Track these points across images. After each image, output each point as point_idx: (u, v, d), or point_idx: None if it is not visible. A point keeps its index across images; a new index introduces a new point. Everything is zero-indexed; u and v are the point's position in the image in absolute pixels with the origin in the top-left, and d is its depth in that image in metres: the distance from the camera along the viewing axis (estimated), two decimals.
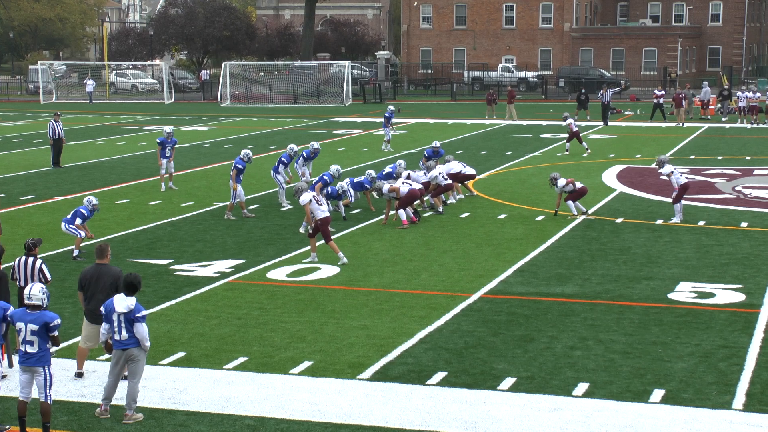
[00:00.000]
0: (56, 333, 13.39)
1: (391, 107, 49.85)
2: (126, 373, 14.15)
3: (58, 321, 13.38)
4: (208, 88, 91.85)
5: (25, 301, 13.50)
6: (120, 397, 14.30)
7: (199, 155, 45.33)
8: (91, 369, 15.97)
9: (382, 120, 47.76)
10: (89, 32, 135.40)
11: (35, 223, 28.53)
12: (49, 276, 16.56)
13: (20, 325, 13.34)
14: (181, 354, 16.86)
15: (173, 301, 20.22)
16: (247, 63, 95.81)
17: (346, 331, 18.09)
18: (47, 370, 13.34)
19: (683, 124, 58.67)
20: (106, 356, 15.90)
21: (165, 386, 15.31)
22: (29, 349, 13.29)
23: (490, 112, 64.33)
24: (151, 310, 19.13)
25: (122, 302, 13.89)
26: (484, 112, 65.56)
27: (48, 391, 13.30)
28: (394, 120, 51.90)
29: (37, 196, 33.45)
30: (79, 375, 15.64)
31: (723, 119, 62.18)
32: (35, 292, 13.43)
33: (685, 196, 28.33)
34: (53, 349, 14.23)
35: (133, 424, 13.81)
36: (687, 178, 29.75)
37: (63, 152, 41.86)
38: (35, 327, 13.25)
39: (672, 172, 28.17)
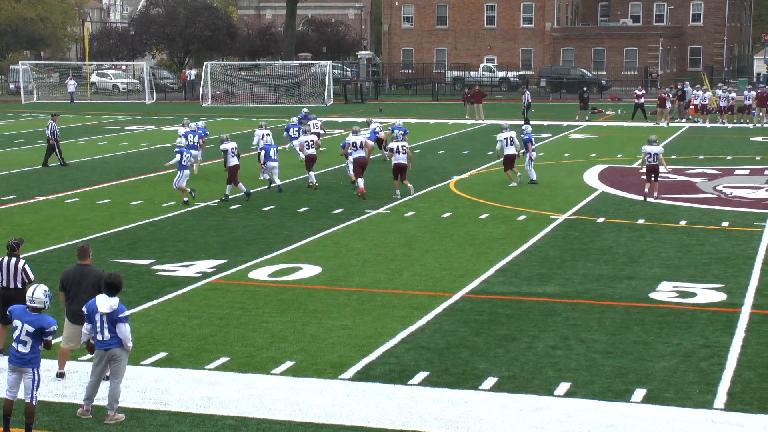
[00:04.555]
0: (50, 338, 13.39)
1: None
2: (108, 374, 14.13)
3: (53, 328, 13.37)
4: (190, 88, 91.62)
5: (27, 303, 13.45)
6: (102, 398, 14.26)
7: None
8: (72, 369, 15.92)
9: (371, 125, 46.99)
10: (70, 32, 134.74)
11: (17, 223, 28.42)
12: (32, 276, 16.48)
13: (17, 322, 13.33)
14: (162, 354, 16.83)
15: (155, 301, 20.18)
16: (228, 63, 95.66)
17: (328, 331, 18.08)
18: (36, 372, 13.32)
19: (667, 124, 58.92)
20: (88, 356, 15.85)
21: (147, 386, 15.28)
22: (21, 348, 13.26)
23: (471, 112, 64.40)
24: (132, 310, 19.06)
25: (105, 302, 13.85)
26: (465, 112, 65.63)
27: (35, 392, 13.27)
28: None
29: (18, 196, 33.33)
30: (61, 375, 15.60)
31: (677, 119, 62.36)
32: (38, 295, 13.41)
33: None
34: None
35: (114, 425, 13.77)
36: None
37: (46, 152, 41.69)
38: (31, 329, 13.24)
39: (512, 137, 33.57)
